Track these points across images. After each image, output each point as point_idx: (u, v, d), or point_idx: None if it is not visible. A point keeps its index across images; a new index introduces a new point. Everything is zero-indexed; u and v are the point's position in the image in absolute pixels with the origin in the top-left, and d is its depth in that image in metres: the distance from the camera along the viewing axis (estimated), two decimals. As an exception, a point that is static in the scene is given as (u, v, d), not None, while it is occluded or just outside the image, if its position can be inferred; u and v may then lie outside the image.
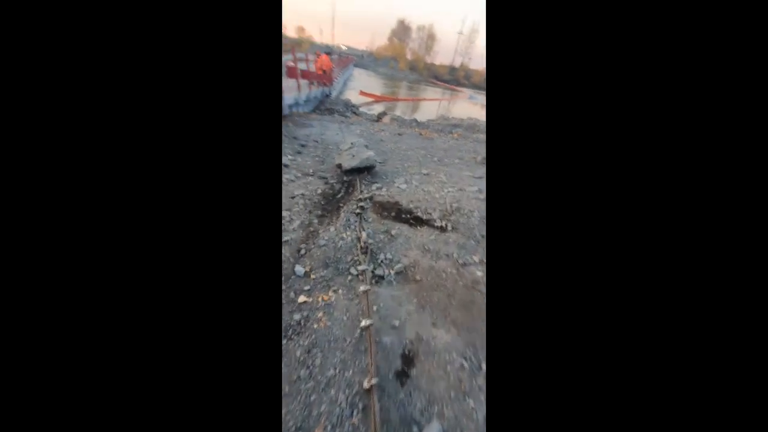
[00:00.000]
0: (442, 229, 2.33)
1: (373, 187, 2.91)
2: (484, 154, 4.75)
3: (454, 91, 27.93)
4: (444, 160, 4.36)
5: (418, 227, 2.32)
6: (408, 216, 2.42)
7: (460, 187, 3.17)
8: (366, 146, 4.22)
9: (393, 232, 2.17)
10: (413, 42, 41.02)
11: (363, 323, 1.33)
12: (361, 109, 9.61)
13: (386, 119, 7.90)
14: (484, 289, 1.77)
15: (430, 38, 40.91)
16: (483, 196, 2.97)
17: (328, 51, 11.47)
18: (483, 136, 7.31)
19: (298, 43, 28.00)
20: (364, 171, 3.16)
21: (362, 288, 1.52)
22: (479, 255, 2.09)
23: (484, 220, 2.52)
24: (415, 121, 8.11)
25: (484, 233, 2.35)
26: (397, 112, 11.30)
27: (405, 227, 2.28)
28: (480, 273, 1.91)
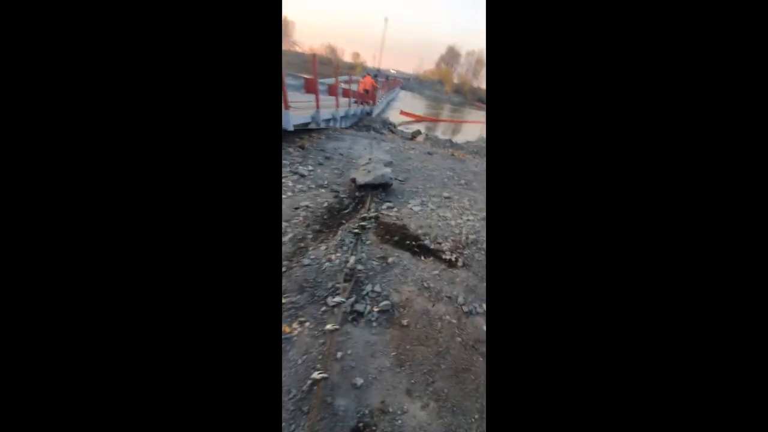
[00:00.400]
0: (451, 264, 1.98)
1: (384, 206, 2.70)
2: (521, 182, 4.23)
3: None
4: (472, 184, 3.98)
5: (422, 258, 2.00)
6: (413, 243, 2.13)
7: (484, 216, 2.77)
8: (391, 162, 4.08)
9: (391, 259, 1.90)
10: (461, 67, 41.56)
11: (315, 375, 1.07)
12: (398, 128, 9.72)
13: (420, 138, 7.79)
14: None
15: (478, 63, 40.99)
16: (509, 229, 2.54)
17: (375, 73, 12.09)
18: (524, 162, 6.65)
19: (352, 67, 30.48)
20: (379, 188, 2.98)
21: (329, 327, 1.27)
22: (492, 303, 1.69)
23: (506, 259, 2.09)
24: (450, 141, 7.83)
25: (503, 275, 1.94)
26: (438, 133, 11.16)
27: (407, 255, 1.99)
28: (488, 327, 1.51)
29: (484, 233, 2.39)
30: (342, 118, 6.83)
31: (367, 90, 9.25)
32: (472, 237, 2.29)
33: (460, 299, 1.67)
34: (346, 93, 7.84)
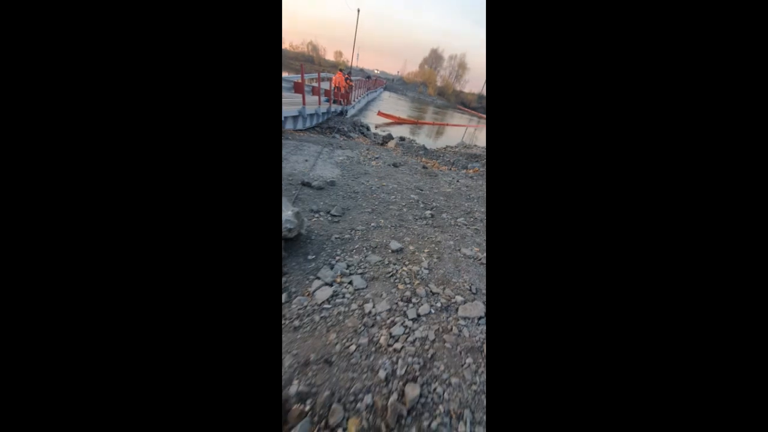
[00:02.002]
0: None
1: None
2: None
3: (481, 119, 26.24)
4: (441, 215, 2.74)
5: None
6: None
7: (450, 296, 1.52)
8: (332, 182, 2.75)
9: None
10: (444, 70, 40.56)
11: None
12: (374, 130, 8.41)
13: (391, 144, 6.49)
14: None
15: (461, 67, 40.16)
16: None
17: (349, 70, 10.67)
18: (507, 174, 5.53)
19: (334, 65, 28.65)
20: (279, 242, 1.68)
21: None
22: None
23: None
24: (424, 148, 6.59)
25: None
26: (422, 137, 9.97)
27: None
28: None
29: (447, 359, 1.15)
30: (296, 117, 5.42)
31: (336, 87, 7.85)
32: (419, 378, 1.03)
33: None
34: (315, 91, 6.96)
